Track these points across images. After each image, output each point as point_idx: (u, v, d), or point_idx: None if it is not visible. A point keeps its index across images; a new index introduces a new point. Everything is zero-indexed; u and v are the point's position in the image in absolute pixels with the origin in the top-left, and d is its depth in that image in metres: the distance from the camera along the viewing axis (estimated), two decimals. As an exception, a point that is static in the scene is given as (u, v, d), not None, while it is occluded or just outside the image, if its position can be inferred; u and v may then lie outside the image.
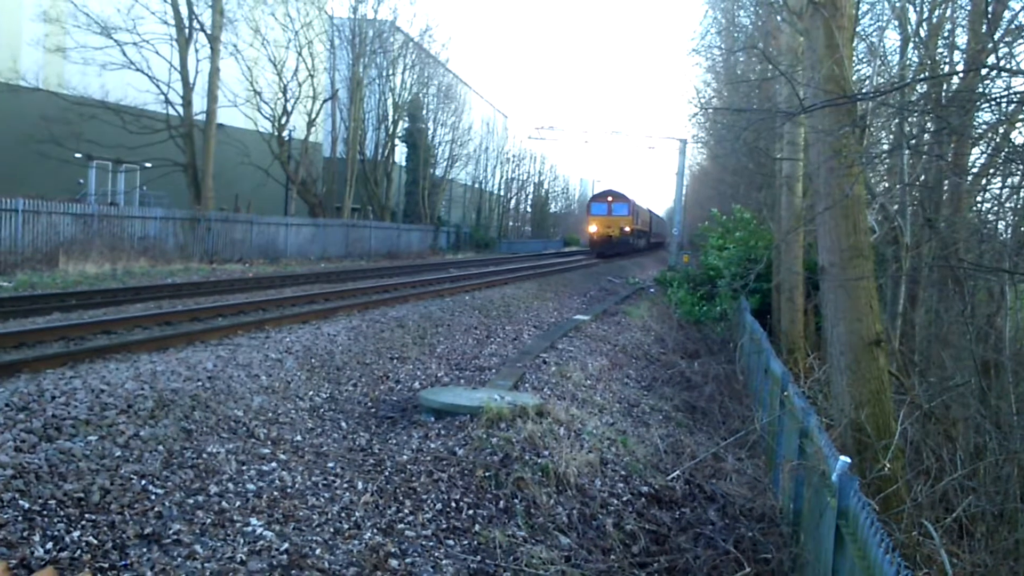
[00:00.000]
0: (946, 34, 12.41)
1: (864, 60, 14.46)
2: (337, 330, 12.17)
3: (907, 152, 10.64)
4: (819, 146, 8.68)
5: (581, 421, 9.54)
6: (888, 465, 7.38)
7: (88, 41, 28.92)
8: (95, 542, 5.21)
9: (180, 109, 30.87)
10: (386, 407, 9.87)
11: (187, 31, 30.47)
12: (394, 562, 5.75)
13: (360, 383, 10.56)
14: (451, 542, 6.35)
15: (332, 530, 6.09)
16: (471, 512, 6.90)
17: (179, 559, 5.19)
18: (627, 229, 56.76)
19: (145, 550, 5.24)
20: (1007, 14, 10.47)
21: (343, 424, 8.94)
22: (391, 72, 48.98)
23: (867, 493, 5.74)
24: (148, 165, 31.59)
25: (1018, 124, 9.86)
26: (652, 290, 30.59)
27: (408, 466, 7.53)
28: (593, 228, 57.36)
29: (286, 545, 5.59)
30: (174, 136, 30.58)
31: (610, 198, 58.00)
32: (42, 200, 23.30)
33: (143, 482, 6.18)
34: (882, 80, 12.51)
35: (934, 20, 12.25)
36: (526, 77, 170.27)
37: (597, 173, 69.19)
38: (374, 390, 10.51)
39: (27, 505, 5.36)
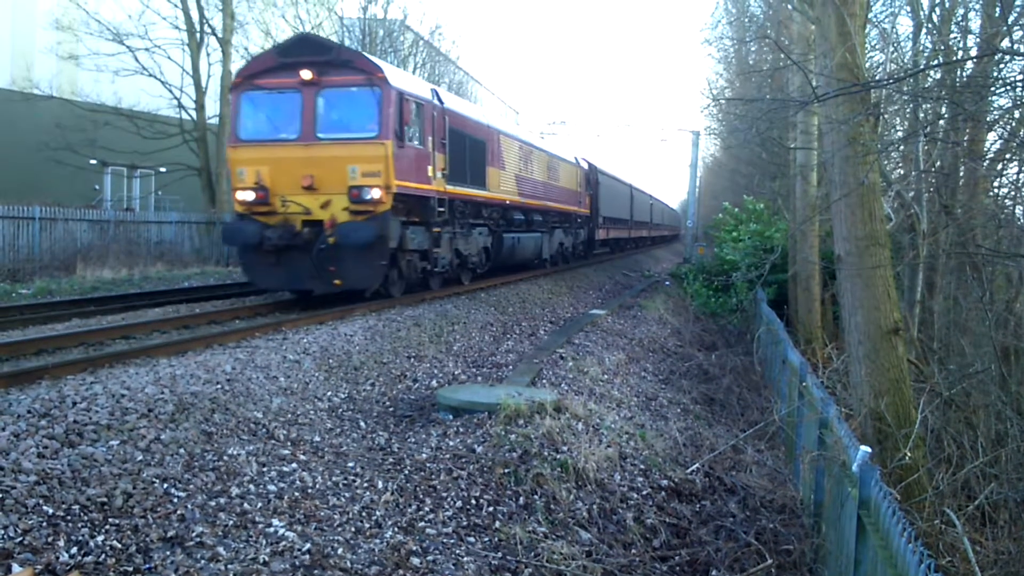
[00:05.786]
0: (959, 18, 12.35)
1: (877, 47, 14.39)
2: (354, 330, 12.20)
3: (922, 139, 10.58)
4: (833, 135, 8.64)
5: (599, 416, 9.54)
6: (909, 454, 7.35)
7: (100, 48, 29.11)
8: (119, 546, 5.25)
9: (193, 113, 31.00)
10: (404, 406, 9.89)
11: (198, 35, 30.59)
12: (416, 560, 5.77)
13: (378, 382, 10.59)
14: (472, 539, 6.36)
15: (353, 529, 6.11)
16: (491, 509, 6.91)
17: (202, 561, 5.23)
18: (377, 196, 13.96)
19: (169, 553, 5.27)
20: (1021, -3, 10.39)
21: (362, 424, 8.97)
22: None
23: (888, 482, 5.71)
24: (163, 170, 31.75)
25: (1034, 108, 9.78)
26: (668, 283, 30.52)
27: (427, 464, 7.55)
28: (245, 195, 14.50)
29: (308, 545, 5.62)
30: (187, 140, 30.71)
31: (309, 74, 14.17)
32: (58, 207, 23.47)
33: (165, 485, 6.22)
34: (895, 67, 12.44)
35: (947, 5, 12.17)
36: (536, 72, 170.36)
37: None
38: (392, 389, 10.54)
39: (51, 510, 5.40)
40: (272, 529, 5.85)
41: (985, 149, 11.76)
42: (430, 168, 15.83)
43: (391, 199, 14.10)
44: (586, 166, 33.83)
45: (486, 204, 19.93)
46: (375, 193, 13.92)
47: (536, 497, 7.18)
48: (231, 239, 15.26)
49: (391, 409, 9.75)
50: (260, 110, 14.87)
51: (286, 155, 14.38)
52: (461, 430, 8.44)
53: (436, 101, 16.52)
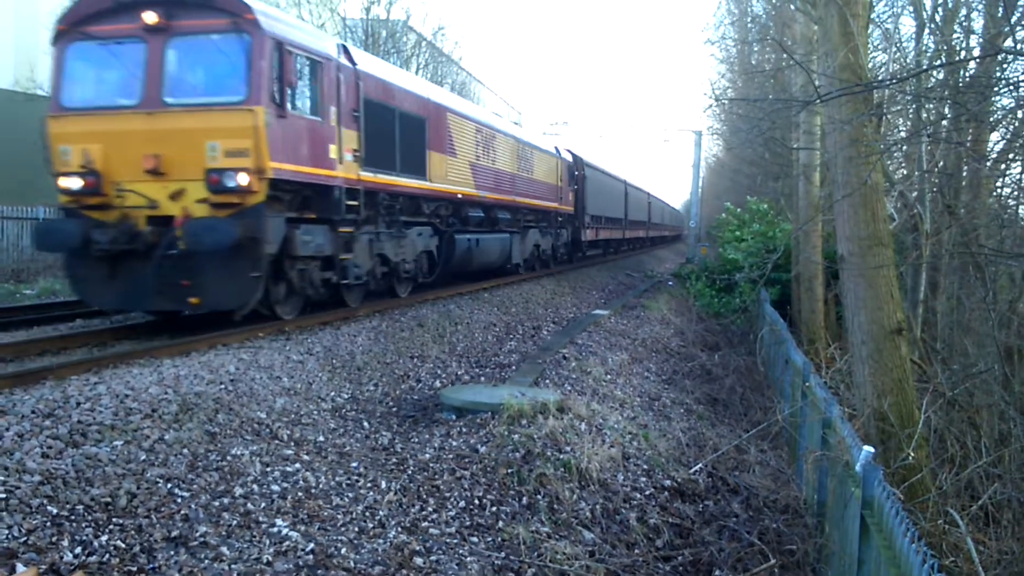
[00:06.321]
0: (962, 19, 12.33)
1: (880, 47, 14.39)
2: (357, 330, 12.21)
3: (925, 139, 10.58)
4: (836, 135, 8.64)
5: (602, 416, 9.54)
6: (912, 454, 7.36)
7: (104, 49, 29.13)
8: (123, 546, 5.26)
9: (196, 114, 30.96)
10: (407, 406, 9.90)
11: (201, 36, 30.58)
12: (419, 560, 5.77)
13: (381, 383, 10.60)
14: (475, 539, 6.37)
15: (357, 529, 6.12)
16: (494, 509, 6.91)
17: (206, 561, 5.24)
18: (244, 182, 10.28)
19: (173, 553, 5.28)
20: (1024, -3, 10.39)
21: (365, 424, 8.98)
22: (404, 71, 48.94)
23: (891, 483, 5.71)
24: (166, 170, 31.71)
25: (1037, 108, 9.78)
26: (671, 283, 30.51)
27: (431, 464, 7.56)
28: (70, 182, 10.72)
29: (311, 545, 5.63)
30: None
31: (154, 17, 10.47)
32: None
33: (169, 485, 6.23)
34: (898, 67, 12.44)
35: (950, 5, 12.16)
36: (539, 72, 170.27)
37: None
38: (395, 389, 10.55)
39: (55, 511, 5.42)
40: (276, 529, 5.86)
41: (988, 149, 11.77)
42: (333, 148, 12.02)
43: (266, 187, 10.57)
44: (570, 158, 29.55)
45: (428, 198, 15.96)
46: (241, 179, 10.29)
47: (539, 497, 7.19)
48: (45, 242, 11.15)
49: (394, 409, 9.76)
50: (90, 67, 11.12)
51: (123, 128, 10.70)
52: (464, 430, 8.45)
53: (344, 60, 12.50)
